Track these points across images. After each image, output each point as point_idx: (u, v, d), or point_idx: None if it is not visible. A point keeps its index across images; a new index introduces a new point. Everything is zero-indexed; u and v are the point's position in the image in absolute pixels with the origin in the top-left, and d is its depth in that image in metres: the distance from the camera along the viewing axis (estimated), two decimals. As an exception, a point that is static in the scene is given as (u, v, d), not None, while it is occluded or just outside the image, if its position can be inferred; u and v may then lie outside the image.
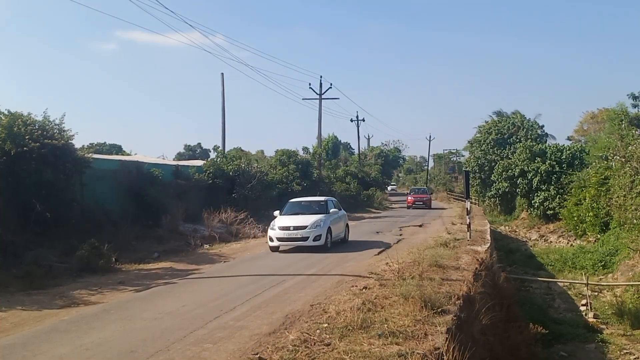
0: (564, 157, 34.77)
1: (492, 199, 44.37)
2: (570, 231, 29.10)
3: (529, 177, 35.56)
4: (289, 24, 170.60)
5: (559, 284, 20.40)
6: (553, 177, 33.93)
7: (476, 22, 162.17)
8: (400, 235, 20.22)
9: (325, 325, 6.64)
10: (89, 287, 10.80)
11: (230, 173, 24.26)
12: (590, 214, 25.56)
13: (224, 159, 25.76)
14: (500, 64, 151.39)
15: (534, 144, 38.74)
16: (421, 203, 40.15)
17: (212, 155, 33.11)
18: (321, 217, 15.48)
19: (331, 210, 16.13)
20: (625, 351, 13.17)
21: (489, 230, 20.01)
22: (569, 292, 19.43)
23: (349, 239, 17.69)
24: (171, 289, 10.67)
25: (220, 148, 30.18)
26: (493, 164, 42.53)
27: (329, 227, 15.34)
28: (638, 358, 12.64)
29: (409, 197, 41.40)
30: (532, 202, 35.54)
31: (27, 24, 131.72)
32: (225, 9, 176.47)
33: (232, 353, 6.22)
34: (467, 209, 17.02)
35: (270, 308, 8.48)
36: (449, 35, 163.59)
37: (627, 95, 30.47)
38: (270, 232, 15.40)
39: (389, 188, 77.39)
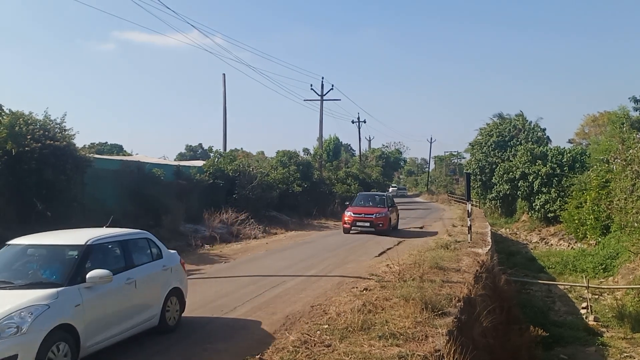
0: (564, 160, 34.74)
1: (493, 202, 44.35)
2: (570, 234, 29.08)
3: (530, 180, 35.54)
4: (289, 24, 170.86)
5: (560, 286, 20.38)
6: (554, 180, 33.92)
7: (477, 25, 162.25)
8: (401, 236, 20.20)
9: (326, 326, 6.65)
10: (89, 287, 10.78)
11: (230, 173, 24.27)
12: (591, 217, 25.54)
13: (222, 159, 25.76)
14: (501, 66, 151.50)
15: (535, 146, 38.73)
16: (367, 225, 20.38)
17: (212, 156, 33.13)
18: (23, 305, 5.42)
19: (90, 275, 6.09)
20: (625, 354, 13.16)
21: (489, 232, 20.02)
22: (570, 295, 19.42)
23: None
24: (171, 289, 10.64)
25: (216, 149, 30.16)
26: (494, 166, 42.52)
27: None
28: (638, 361, 12.63)
29: (348, 213, 21.08)
30: (533, 204, 35.51)
31: (26, 24, 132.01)
32: (224, 9, 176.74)
33: (232, 353, 6.22)
34: (468, 211, 17.02)
35: (271, 309, 8.48)
36: (450, 38, 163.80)
37: (629, 98, 30.44)
38: None
39: (390, 189, 76.17)
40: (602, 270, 20.93)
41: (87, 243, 6.51)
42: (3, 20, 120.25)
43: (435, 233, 20.71)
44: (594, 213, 25.39)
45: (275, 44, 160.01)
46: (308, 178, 31.22)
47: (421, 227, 24.46)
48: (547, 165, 34.72)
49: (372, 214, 20.40)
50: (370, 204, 21.84)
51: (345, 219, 20.79)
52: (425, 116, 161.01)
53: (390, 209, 21.43)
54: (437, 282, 8.79)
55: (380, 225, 20.07)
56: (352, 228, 20.46)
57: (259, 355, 5.84)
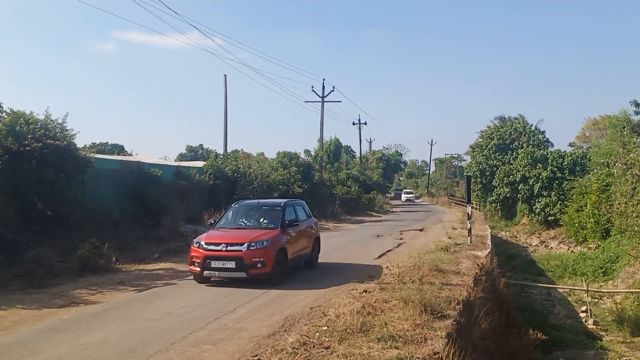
0: (565, 163, 34.79)
1: (493, 204, 44.37)
2: (570, 237, 29.07)
3: (530, 183, 35.57)
4: (290, 26, 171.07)
5: (559, 290, 20.36)
6: (554, 183, 33.94)
7: (478, 29, 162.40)
8: (401, 239, 20.21)
9: (325, 328, 6.64)
10: (89, 287, 10.80)
11: (230, 174, 24.29)
12: (591, 220, 25.54)
13: (223, 160, 25.78)
14: (502, 69, 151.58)
15: (536, 149, 38.79)
16: (232, 266, 10.57)
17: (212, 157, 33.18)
18: None
19: None
20: (624, 358, 13.16)
21: (489, 235, 20.00)
22: (569, 299, 19.40)
23: None
24: (171, 289, 10.67)
25: (215, 151, 30.20)
26: (494, 169, 42.57)
27: None
28: (638, 366, 12.62)
29: (198, 244, 10.95)
30: (533, 207, 35.53)
31: (27, 23, 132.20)
32: (224, 10, 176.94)
33: (231, 355, 6.22)
34: (468, 213, 17.01)
35: (270, 310, 8.49)
36: (451, 41, 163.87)
37: (630, 102, 30.43)
38: None
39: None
40: (602, 274, 20.92)
41: None
42: (3, 20, 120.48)
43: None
44: (594, 217, 25.39)
45: (276, 46, 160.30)
46: (308, 179, 31.26)
47: (421, 230, 24.46)
48: (548, 169, 34.77)
49: (242, 245, 10.59)
50: (253, 221, 12.04)
51: (193, 255, 10.84)
52: (426, 118, 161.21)
53: (289, 230, 11.69)
54: (436, 285, 8.79)
55: (259, 264, 10.46)
56: (206, 272, 10.66)
57: (257, 357, 5.85)
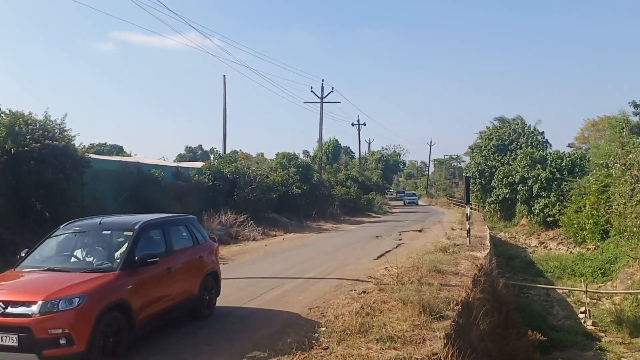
0: (564, 164, 34.84)
1: (492, 205, 44.41)
2: (569, 238, 29.10)
3: (529, 184, 35.61)
4: (290, 26, 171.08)
5: (558, 291, 20.37)
6: (553, 184, 33.98)
7: (478, 29, 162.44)
8: (400, 240, 20.20)
9: (324, 329, 6.65)
10: (87, 288, 10.76)
11: (229, 175, 24.29)
12: (590, 221, 25.56)
13: (222, 161, 25.78)
14: (502, 69, 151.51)
15: (535, 150, 38.85)
16: (13, 343, 5.52)
17: (212, 157, 33.16)
18: None
19: None
20: (623, 359, 13.17)
21: (488, 236, 20.02)
22: (568, 300, 19.42)
23: None
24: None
25: (218, 150, 30.23)
26: (493, 170, 42.61)
27: None
28: (636, 366, 12.63)
29: None
30: (532, 208, 35.56)
31: (27, 23, 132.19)
32: (223, 10, 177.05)
33: (230, 355, 6.22)
34: (467, 214, 17.01)
35: (269, 311, 8.48)
36: (451, 41, 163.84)
37: (629, 103, 30.51)
38: None
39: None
40: (600, 275, 20.95)
41: None
42: (3, 20, 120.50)
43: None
44: (593, 217, 25.41)
45: (276, 46, 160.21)
46: (307, 180, 31.27)
47: (420, 230, 24.47)
48: (547, 170, 34.81)
49: (32, 304, 5.66)
50: (88, 254, 7.03)
51: None
52: (425, 119, 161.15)
53: (144, 270, 6.68)
54: (435, 286, 8.80)
55: (62, 340, 5.57)
56: None
57: (256, 357, 5.85)
